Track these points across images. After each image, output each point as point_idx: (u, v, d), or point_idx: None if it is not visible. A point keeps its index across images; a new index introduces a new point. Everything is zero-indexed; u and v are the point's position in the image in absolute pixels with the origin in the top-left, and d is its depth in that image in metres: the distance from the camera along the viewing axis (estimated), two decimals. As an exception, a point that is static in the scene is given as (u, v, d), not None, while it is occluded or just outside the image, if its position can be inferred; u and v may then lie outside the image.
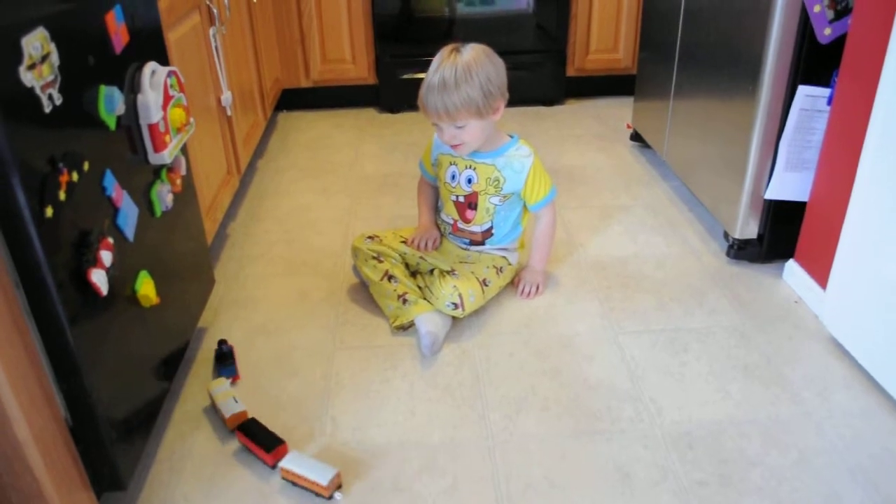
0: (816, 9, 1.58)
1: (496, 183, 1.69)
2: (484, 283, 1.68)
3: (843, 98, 1.57)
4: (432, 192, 1.87)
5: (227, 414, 1.38)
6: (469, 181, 1.71)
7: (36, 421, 0.98)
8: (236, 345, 1.62)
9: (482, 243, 1.78)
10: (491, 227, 1.75)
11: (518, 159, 1.69)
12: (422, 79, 1.59)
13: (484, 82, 1.55)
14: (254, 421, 1.37)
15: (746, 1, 1.74)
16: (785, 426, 1.38)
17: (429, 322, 1.60)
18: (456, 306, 1.62)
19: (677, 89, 2.21)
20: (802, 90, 1.66)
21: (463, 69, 1.54)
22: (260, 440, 1.32)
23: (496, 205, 1.72)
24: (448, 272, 1.69)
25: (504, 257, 1.78)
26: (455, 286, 1.62)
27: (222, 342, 1.57)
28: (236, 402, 1.40)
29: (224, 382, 1.46)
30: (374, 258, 1.73)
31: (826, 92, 1.65)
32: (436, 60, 1.59)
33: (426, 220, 1.85)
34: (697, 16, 2.04)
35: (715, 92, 1.95)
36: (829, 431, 1.37)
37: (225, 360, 1.56)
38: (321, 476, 1.23)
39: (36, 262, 0.94)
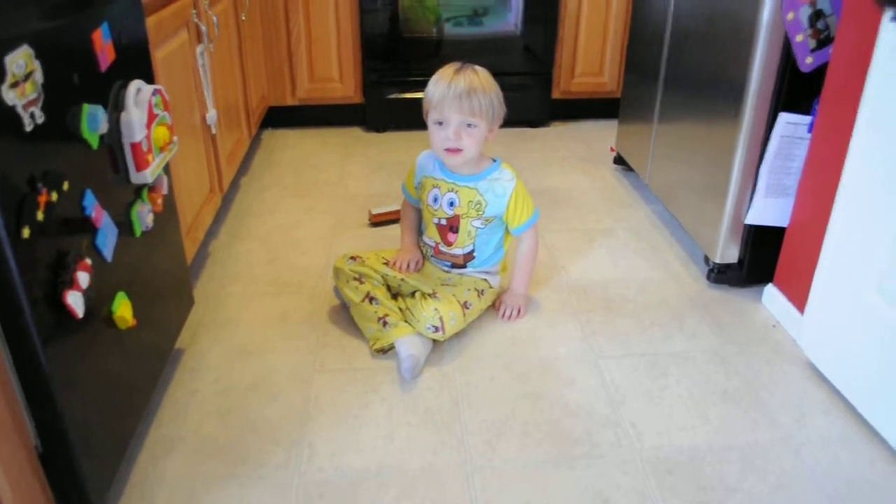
0: (799, 38, 1.60)
1: (478, 206, 1.70)
2: (465, 305, 1.68)
3: (824, 126, 1.59)
4: (415, 215, 1.87)
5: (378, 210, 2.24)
6: (451, 204, 1.71)
7: (4, 448, 0.96)
8: (215, 366, 1.61)
9: (464, 266, 1.78)
10: (473, 251, 1.75)
11: (500, 183, 1.70)
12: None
13: (497, 96, 1.65)
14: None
15: (731, 28, 1.76)
16: (763, 452, 1.38)
17: (409, 345, 1.59)
18: (437, 329, 1.62)
19: (661, 113, 2.23)
20: (783, 117, 1.68)
21: (486, 78, 1.64)
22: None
23: (478, 228, 1.72)
24: (429, 294, 1.68)
25: (485, 280, 1.77)
26: (436, 309, 1.62)
27: None
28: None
29: None
30: (355, 279, 1.72)
31: (807, 119, 1.67)
32: (446, 73, 1.62)
33: (409, 242, 1.84)
34: (683, 41, 2.06)
35: (698, 117, 1.97)
36: (808, 458, 1.37)
37: None
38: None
39: (10, 283, 0.92)
